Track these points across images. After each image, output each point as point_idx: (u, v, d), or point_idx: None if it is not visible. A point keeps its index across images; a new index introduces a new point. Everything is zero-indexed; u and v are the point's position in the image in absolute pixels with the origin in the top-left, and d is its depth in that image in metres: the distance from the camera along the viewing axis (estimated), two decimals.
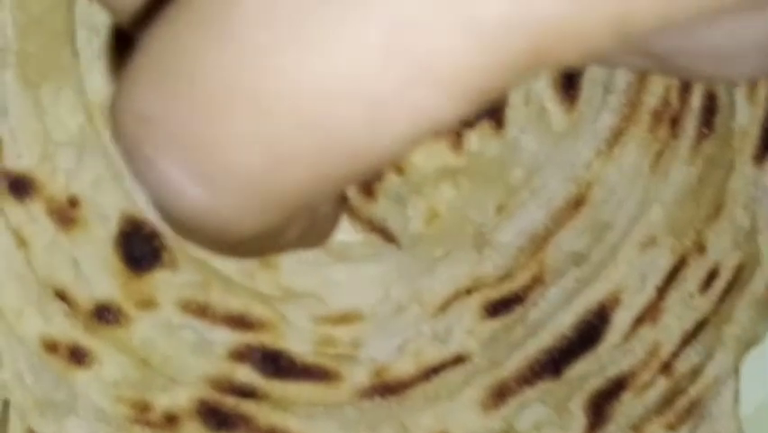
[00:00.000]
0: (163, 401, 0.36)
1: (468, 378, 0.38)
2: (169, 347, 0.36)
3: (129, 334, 0.36)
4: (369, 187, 0.37)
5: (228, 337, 0.36)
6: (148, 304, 0.36)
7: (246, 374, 0.37)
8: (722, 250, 0.40)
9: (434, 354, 0.38)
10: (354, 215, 0.37)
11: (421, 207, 0.37)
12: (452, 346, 0.38)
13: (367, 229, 0.37)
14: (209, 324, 0.36)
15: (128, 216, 0.36)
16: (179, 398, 0.36)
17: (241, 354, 0.36)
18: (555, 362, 0.38)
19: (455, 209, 0.37)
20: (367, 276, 0.37)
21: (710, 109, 0.39)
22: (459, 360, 0.38)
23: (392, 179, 0.37)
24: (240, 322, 0.36)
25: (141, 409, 0.36)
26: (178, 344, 0.36)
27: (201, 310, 0.36)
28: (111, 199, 0.36)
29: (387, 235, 0.37)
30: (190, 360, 0.36)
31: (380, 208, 0.37)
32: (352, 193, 0.37)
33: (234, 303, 0.36)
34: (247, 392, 0.37)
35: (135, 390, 0.36)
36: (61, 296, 0.35)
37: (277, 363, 0.37)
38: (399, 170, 0.37)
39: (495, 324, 0.38)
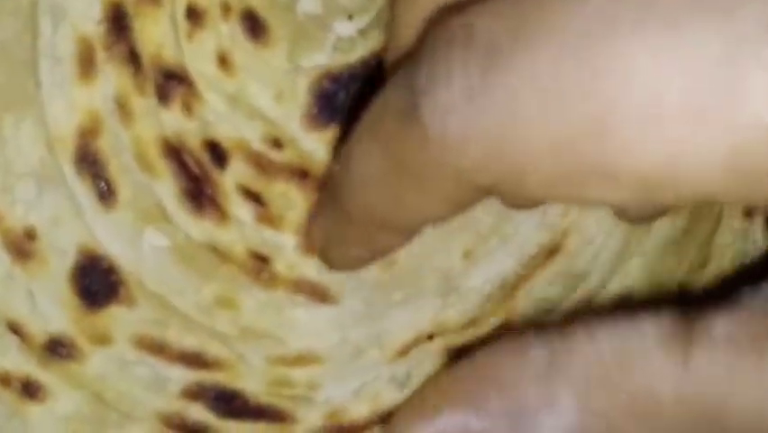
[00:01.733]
0: None
1: None
2: (122, 383, 0.36)
3: (83, 369, 0.36)
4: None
5: (183, 375, 0.36)
6: (102, 339, 0.35)
7: (199, 413, 0.36)
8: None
9: (391, 398, 0.37)
10: (277, 277, 0.36)
11: None
12: (410, 390, 0.37)
13: (291, 290, 0.36)
14: (164, 361, 0.36)
15: (85, 250, 0.35)
16: None
17: (195, 393, 0.36)
18: None
19: (415, 256, 0.37)
20: (325, 318, 0.36)
21: None
22: None
23: None
24: (195, 360, 0.36)
25: None
26: (131, 380, 0.36)
27: (156, 347, 0.36)
28: (69, 233, 0.35)
29: (319, 293, 0.36)
30: (144, 396, 0.36)
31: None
32: (289, 251, 0.36)
33: (191, 341, 0.36)
34: (199, 431, 0.36)
35: (89, 425, 0.36)
36: (15, 329, 0.35)
37: (231, 403, 0.36)
38: None
39: None
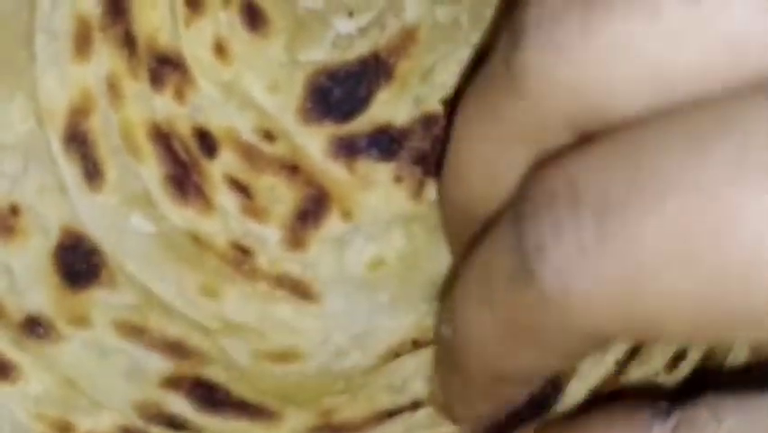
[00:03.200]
0: (85, 424, 0.35)
1: (432, 421, 0.37)
2: (98, 369, 0.35)
3: (59, 351, 0.35)
4: (298, 235, 0.35)
5: (162, 365, 0.35)
6: (81, 321, 0.35)
7: (178, 405, 0.35)
8: None
9: (389, 400, 0.36)
10: (258, 271, 0.35)
11: (366, 254, 0.36)
12: (408, 395, 0.36)
13: (272, 285, 0.35)
14: (144, 349, 0.35)
15: (69, 229, 0.35)
16: (103, 422, 0.35)
17: (174, 383, 0.35)
18: (500, 426, 0.36)
19: (404, 258, 0.36)
20: (309, 315, 0.36)
21: None
22: (416, 406, 0.37)
23: (336, 225, 0.35)
24: (176, 350, 0.35)
25: (61, 430, 0.35)
26: (108, 366, 0.35)
27: (136, 334, 0.35)
28: (53, 211, 0.35)
29: (301, 290, 0.36)
30: (120, 385, 0.35)
31: (311, 256, 0.35)
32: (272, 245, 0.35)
33: (172, 330, 0.35)
34: (177, 424, 0.35)
35: (58, 409, 0.35)
36: None
37: (211, 396, 0.36)
38: (347, 214, 0.35)
39: None
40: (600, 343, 0.29)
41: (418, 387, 0.36)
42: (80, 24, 0.34)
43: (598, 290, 0.27)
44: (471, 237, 0.32)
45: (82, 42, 0.34)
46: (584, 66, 0.27)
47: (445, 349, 0.34)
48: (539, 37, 0.28)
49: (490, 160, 0.31)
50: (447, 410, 0.36)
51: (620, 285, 0.26)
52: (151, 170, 0.35)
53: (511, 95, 0.29)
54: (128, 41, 0.34)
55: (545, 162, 0.29)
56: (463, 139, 0.32)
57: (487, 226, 0.31)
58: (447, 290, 0.35)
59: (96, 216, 0.35)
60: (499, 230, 0.30)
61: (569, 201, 0.27)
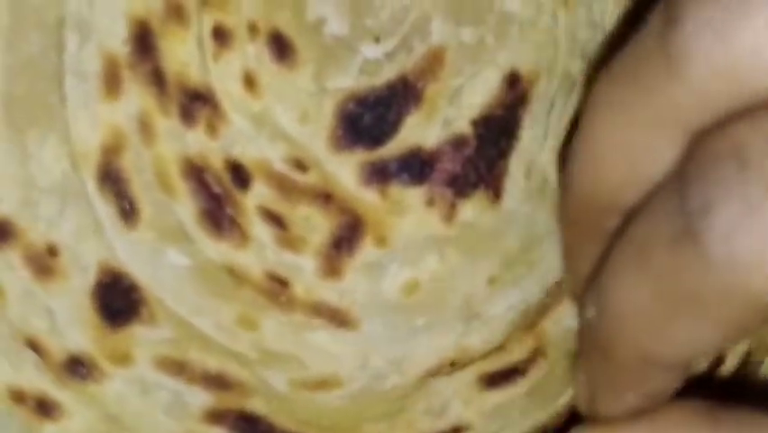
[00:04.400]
0: None
1: None
2: (141, 405, 0.35)
3: (101, 389, 0.35)
4: (333, 263, 0.35)
5: (204, 398, 0.36)
6: (123, 359, 0.35)
7: None
8: None
9: (429, 427, 0.37)
10: (295, 301, 0.35)
11: (401, 278, 0.36)
12: (448, 419, 0.37)
13: (310, 314, 0.35)
14: (185, 383, 0.36)
15: (107, 268, 0.35)
16: None
17: (217, 417, 0.36)
18: None
19: (439, 281, 0.36)
20: (346, 341, 0.36)
21: None
22: (457, 430, 0.37)
23: (370, 252, 0.35)
24: (217, 383, 0.36)
25: None
26: (151, 402, 0.36)
27: (177, 368, 0.35)
28: (91, 250, 0.35)
29: (338, 318, 0.36)
30: (163, 420, 0.36)
31: (347, 283, 0.36)
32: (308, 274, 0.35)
33: (212, 363, 0.36)
34: None
35: None
36: (33, 346, 0.35)
37: (256, 429, 0.36)
38: (381, 240, 0.35)
39: (496, 396, 0.37)
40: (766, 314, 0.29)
41: (458, 410, 0.37)
42: (108, 63, 0.34)
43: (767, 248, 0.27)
44: (618, 221, 0.32)
45: (111, 82, 0.34)
46: (746, 47, 0.27)
47: (591, 334, 0.33)
48: (700, 19, 0.28)
49: (634, 146, 0.31)
50: (590, 409, 0.34)
51: None
52: (186, 206, 0.35)
53: (670, 77, 0.29)
54: (157, 78, 0.34)
55: (708, 131, 0.29)
56: (603, 124, 0.32)
57: (634, 212, 0.31)
58: (590, 277, 0.34)
59: (133, 252, 0.35)
60: (660, 197, 0.30)
61: (736, 162, 0.27)
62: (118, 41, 0.34)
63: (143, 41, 0.34)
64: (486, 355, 0.37)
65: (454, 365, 0.37)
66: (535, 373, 0.37)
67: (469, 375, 0.36)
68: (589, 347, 0.34)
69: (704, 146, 0.29)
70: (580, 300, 0.35)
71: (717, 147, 0.28)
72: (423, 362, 0.36)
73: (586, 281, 0.35)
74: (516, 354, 0.37)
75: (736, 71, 0.28)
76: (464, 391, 0.36)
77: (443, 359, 0.36)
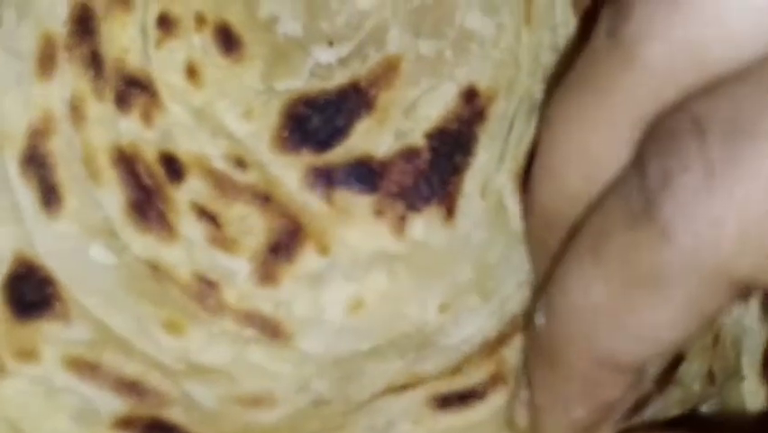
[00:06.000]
0: None
1: None
2: (45, 408, 0.32)
3: (3, 387, 0.32)
4: (270, 269, 0.33)
5: (116, 405, 0.32)
6: (29, 355, 0.32)
7: None
8: (719, 385, 0.36)
9: None
10: (225, 306, 0.32)
11: (344, 294, 0.33)
12: None
13: (240, 322, 0.32)
14: (96, 388, 0.32)
15: (21, 258, 0.32)
16: None
17: (127, 424, 0.32)
18: None
19: (386, 302, 0.33)
20: (284, 359, 0.33)
21: None
22: None
23: (311, 260, 0.33)
24: (132, 389, 0.32)
25: None
26: (56, 407, 0.32)
27: (89, 371, 0.32)
28: (6, 238, 0.32)
29: (271, 329, 0.33)
30: (67, 427, 0.32)
31: (284, 293, 0.33)
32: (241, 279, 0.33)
33: (129, 368, 0.32)
34: None
35: None
36: None
37: None
38: (324, 249, 0.33)
39: (450, 419, 0.33)
40: (728, 293, 0.27)
41: (405, 429, 0.33)
42: (45, 43, 0.33)
43: (728, 220, 0.25)
44: (570, 228, 0.31)
45: (46, 62, 0.33)
46: (700, 20, 0.27)
47: (538, 344, 0.31)
48: (649, 2, 0.27)
49: (591, 151, 0.30)
50: (535, 428, 0.32)
51: (753, 213, 0.25)
52: (113, 196, 0.32)
53: (624, 69, 0.28)
54: (94, 62, 0.33)
55: (666, 113, 0.28)
56: (560, 134, 0.31)
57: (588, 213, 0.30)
58: (538, 288, 0.33)
59: (53, 244, 0.32)
60: (616, 186, 0.28)
61: (695, 133, 0.26)
62: (58, 21, 0.33)
63: (84, 23, 0.33)
64: (440, 377, 0.33)
65: (405, 388, 0.33)
66: (495, 399, 0.33)
67: (420, 394, 0.33)
68: (535, 359, 0.32)
69: (662, 124, 0.28)
70: (527, 313, 0.33)
71: (676, 122, 0.27)
72: (369, 387, 0.33)
73: (535, 291, 0.33)
74: (473, 378, 0.33)
75: (698, 44, 0.27)
76: (414, 410, 0.33)
77: (391, 384, 0.33)
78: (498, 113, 0.35)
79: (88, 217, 0.33)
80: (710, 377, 0.36)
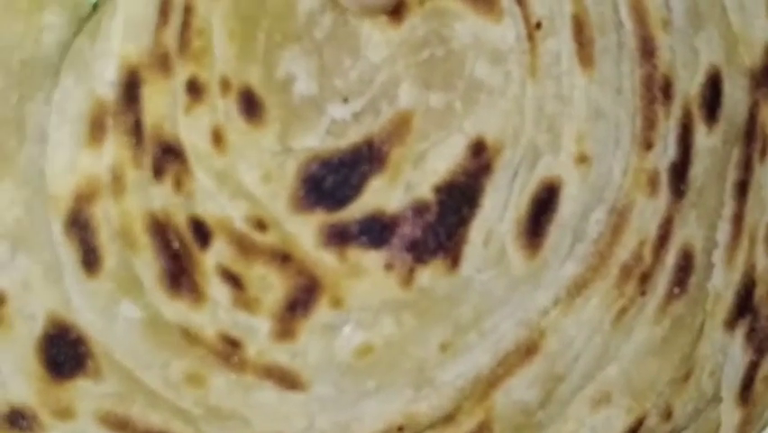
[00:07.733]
0: None
1: None
2: None
3: None
4: (288, 325, 0.35)
5: None
6: (65, 414, 0.34)
7: None
8: (686, 417, 0.38)
9: None
10: (247, 362, 0.35)
11: (355, 341, 0.35)
12: None
13: (261, 375, 0.35)
14: None
15: (56, 319, 0.34)
16: None
17: None
18: None
19: (393, 345, 0.36)
20: (294, 402, 0.35)
21: (685, 269, 0.37)
22: None
23: (325, 312, 0.35)
24: None
25: None
26: None
27: (120, 424, 0.35)
28: (41, 299, 0.34)
29: (289, 381, 0.35)
30: None
31: (300, 344, 0.35)
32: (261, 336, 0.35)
33: (155, 419, 0.35)
34: None
35: None
36: None
37: None
38: (337, 302, 0.35)
39: None
40: None
41: None
42: (97, 108, 0.34)
43: None
44: None
45: (97, 129, 0.34)
46: None
47: None
48: None
49: None
50: None
51: None
52: (147, 263, 0.34)
53: None
54: (136, 130, 0.34)
55: None
56: None
57: None
58: None
59: (88, 301, 0.34)
60: None
61: None
62: (106, 84, 0.34)
63: (130, 89, 0.34)
64: (434, 426, 0.36)
65: (402, 430, 0.36)
66: None
67: None
68: None
69: None
70: None
71: None
72: (370, 426, 0.36)
73: None
74: (464, 427, 0.36)
75: None
76: None
77: (390, 424, 0.36)
78: (504, 163, 0.36)
79: (122, 277, 0.34)
80: (667, 413, 0.38)
